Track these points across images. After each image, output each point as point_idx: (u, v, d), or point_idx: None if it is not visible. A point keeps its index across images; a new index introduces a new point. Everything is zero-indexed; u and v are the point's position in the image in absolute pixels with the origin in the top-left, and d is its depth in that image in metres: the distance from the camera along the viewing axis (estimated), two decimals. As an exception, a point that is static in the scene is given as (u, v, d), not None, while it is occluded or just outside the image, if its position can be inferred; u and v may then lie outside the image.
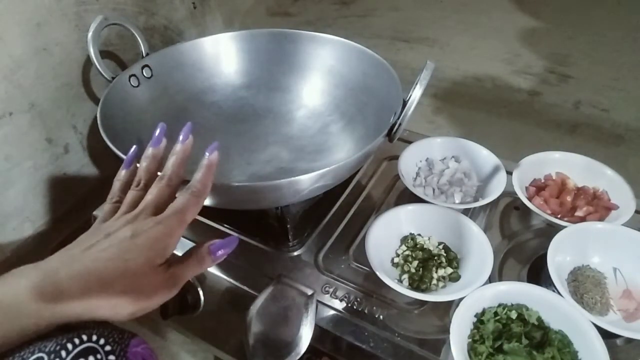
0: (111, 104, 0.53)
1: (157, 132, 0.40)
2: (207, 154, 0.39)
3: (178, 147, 0.39)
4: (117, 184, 0.39)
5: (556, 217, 0.53)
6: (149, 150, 0.39)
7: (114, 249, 0.32)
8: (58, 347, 0.28)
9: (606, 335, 0.40)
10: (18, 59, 0.54)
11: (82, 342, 0.29)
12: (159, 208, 0.35)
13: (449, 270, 0.48)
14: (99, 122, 0.48)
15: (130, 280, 0.32)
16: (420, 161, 0.62)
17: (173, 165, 0.38)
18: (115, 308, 0.31)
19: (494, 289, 0.44)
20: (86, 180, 0.67)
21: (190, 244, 0.54)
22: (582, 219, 0.53)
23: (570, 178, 0.58)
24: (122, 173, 0.39)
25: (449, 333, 0.41)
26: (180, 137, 0.39)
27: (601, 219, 0.53)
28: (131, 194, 0.37)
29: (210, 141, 0.63)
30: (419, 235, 0.53)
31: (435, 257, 0.49)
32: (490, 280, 0.46)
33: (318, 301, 0.47)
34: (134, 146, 0.41)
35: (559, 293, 0.43)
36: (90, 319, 0.31)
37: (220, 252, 0.38)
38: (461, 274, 0.48)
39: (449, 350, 0.40)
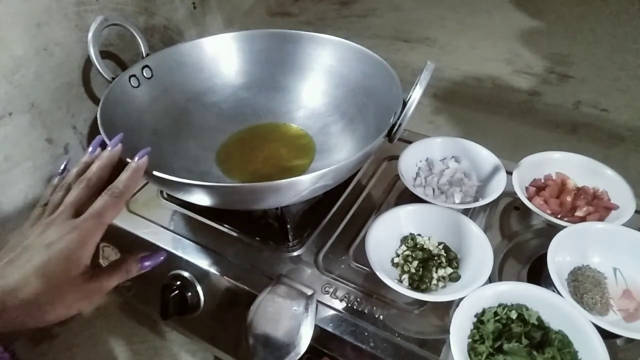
0: (111, 104, 0.53)
1: (95, 141, 0.42)
2: (136, 158, 0.39)
3: (105, 153, 0.40)
4: (49, 189, 0.39)
5: (556, 217, 0.53)
6: (83, 158, 0.40)
7: (30, 266, 0.32)
8: None
9: (606, 335, 0.40)
10: (18, 59, 0.54)
11: None
12: (77, 209, 0.36)
13: (449, 270, 0.48)
14: (99, 122, 0.48)
15: (48, 295, 0.32)
16: (420, 161, 0.62)
17: (96, 168, 0.38)
18: (32, 321, 0.32)
19: (494, 289, 0.44)
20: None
21: (191, 245, 0.55)
22: (582, 219, 0.53)
23: (570, 178, 0.58)
24: (55, 179, 0.40)
25: (449, 333, 0.41)
26: (109, 145, 0.41)
27: (601, 219, 0.53)
28: (54, 197, 0.37)
29: (210, 141, 0.63)
30: (419, 235, 0.53)
31: (435, 257, 0.49)
32: (490, 280, 0.46)
33: (318, 301, 0.47)
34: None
35: (559, 293, 0.43)
36: (6, 331, 0.31)
37: (147, 264, 0.40)
38: (461, 274, 0.48)
39: (449, 350, 0.40)
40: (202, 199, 0.46)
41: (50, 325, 0.33)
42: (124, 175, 0.38)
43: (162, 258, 0.41)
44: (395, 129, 0.49)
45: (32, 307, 0.32)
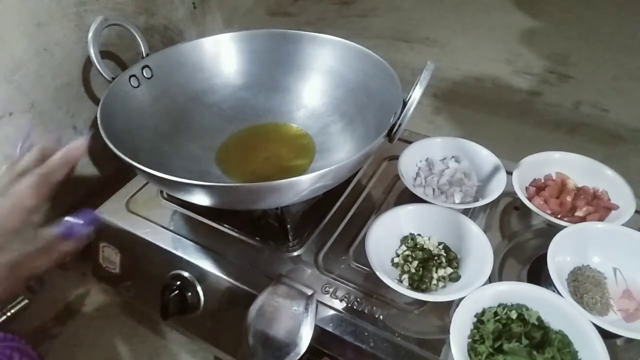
0: (111, 104, 0.53)
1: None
2: (73, 143, 0.36)
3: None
4: None
5: (556, 217, 0.53)
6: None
7: None
8: None
9: (606, 335, 0.40)
10: (18, 59, 0.54)
11: None
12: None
13: (449, 270, 0.48)
14: (99, 122, 0.48)
15: None
16: (420, 161, 0.62)
17: (26, 157, 0.35)
18: None
19: (494, 289, 0.44)
20: (86, 180, 0.67)
21: (191, 245, 0.55)
22: (582, 219, 0.53)
23: (570, 178, 0.58)
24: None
25: (449, 333, 0.41)
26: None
27: (601, 219, 0.53)
28: None
29: (210, 141, 0.63)
30: (419, 235, 0.53)
31: (435, 257, 0.49)
32: (490, 280, 0.46)
33: (318, 301, 0.47)
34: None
35: (559, 293, 0.43)
36: None
37: (72, 231, 0.34)
38: (461, 274, 0.48)
39: (449, 350, 0.40)
40: (202, 199, 0.46)
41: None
42: (55, 155, 0.35)
43: (90, 218, 0.35)
44: (395, 129, 0.49)
45: None
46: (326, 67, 0.66)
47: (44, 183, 0.34)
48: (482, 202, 0.54)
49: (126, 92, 0.57)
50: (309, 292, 0.46)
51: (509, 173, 0.57)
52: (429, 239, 0.52)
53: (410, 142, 0.62)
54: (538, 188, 0.57)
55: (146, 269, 0.58)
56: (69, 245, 0.35)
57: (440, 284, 0.48)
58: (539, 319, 0.43)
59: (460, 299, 0.43)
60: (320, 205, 0.58)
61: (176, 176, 0.42)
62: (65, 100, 0.61)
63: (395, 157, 0.61)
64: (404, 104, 0.49)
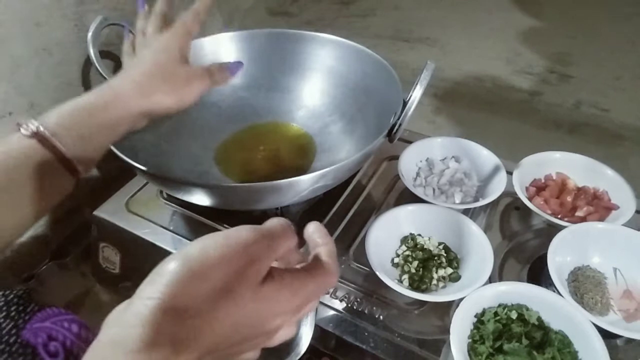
0: (111, 104, 0.53)
1: None
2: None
3: None
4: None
5: (556, 217, 0.53)
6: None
7: None
8: None
9: (606, 335, 0.40)
10: (18, 59, 0.54)
11: None
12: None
13: (449, 270, 0.48)
14: (98, 122, 0.48)
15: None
16: (421, 161, 0.62)
17: None
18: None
19: (494, 289, 0.44)
20: (86, 180, 0.67)
21: (188, 243, 0.55)
22: (583, 219, 0.53)
23: (570, 178, 0.58)
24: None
25: (449, 333, 0.41)
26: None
27: (601, 219, 0.53)
28: None
29: (210, 141, 0.63)
30: (419, 235, 0.53)
31: (435, 257, 0.49)
32: (491, 280, 0.46)
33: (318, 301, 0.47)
34: None
35: (559, 293, 0.43)
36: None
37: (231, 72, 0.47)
38: (461, 274, 0.48)
39: (449, 350, 0.40)
40: (201, 199, 0.46)
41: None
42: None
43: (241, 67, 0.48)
44: (395, 129, 0.49)
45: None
46: (326, 67, 0.66)
47: (197, 15, 0.46)
48: (482, 202, 0.54)
49: (126, 92, 0.57)
50: (309, 292, 0.46)
51: (509, 173, 0.57)
52: (429, 239, 0.52)
53: (410, 142, 0.62)
54: (538, 188, 0.57)
55: (146, 269, 0.57)
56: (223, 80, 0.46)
57: (441, 284, 0.48)
58: (539, 319, 0.43)
59: (461, 299, 0.43)
60: (320, 205, 0.58)
61: (176, 176, 0.42)
62: (65, 100, 0.61)
63: (395, 157, 0.61)
64: (404, 104, 0.48)
